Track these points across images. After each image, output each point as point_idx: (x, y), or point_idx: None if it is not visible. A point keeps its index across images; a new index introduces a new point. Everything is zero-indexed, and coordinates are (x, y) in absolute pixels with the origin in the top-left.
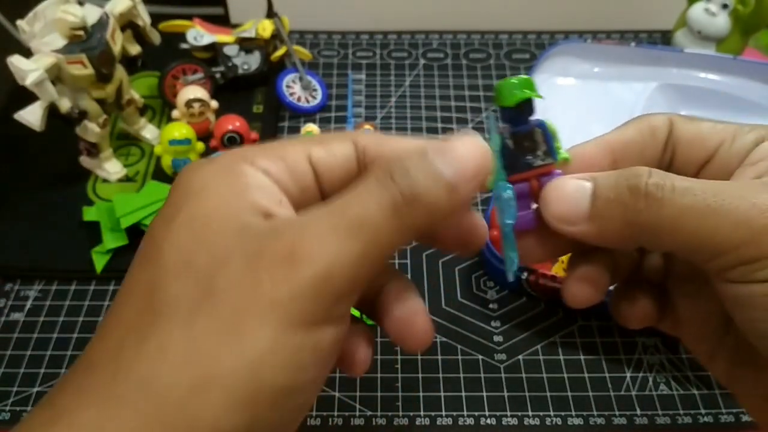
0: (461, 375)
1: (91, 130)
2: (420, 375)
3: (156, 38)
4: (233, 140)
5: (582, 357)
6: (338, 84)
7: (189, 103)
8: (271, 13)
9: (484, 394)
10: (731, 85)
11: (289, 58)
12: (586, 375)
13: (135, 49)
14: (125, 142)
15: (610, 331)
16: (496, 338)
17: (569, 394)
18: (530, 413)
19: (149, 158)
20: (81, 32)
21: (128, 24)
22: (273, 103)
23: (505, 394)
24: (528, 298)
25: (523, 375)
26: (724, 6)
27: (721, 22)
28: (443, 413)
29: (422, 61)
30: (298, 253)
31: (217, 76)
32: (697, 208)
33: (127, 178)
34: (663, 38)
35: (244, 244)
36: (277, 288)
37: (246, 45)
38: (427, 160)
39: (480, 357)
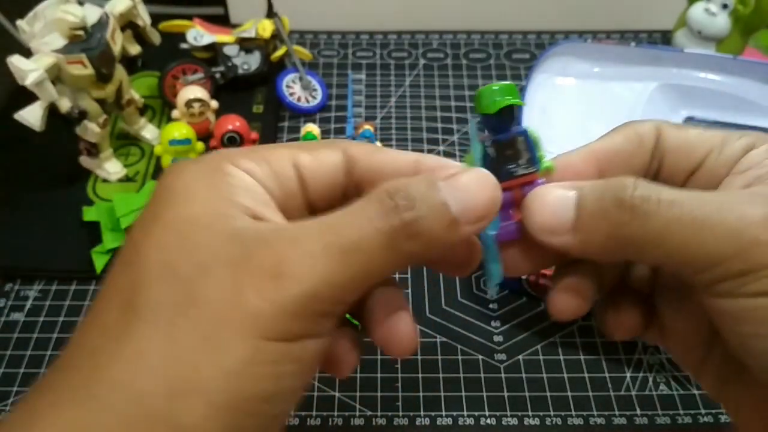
0: (461, 375)
1: (91, 130)
2: (420, 375)
3: (156, 38)
4: (233, 140)
5: (582, 357)
6: (338, 84)
7: (189, 103)
8: (271, 13)
9: (484, 394)
10: (731, 85)
11: (289, 58)
12: (586, 375)
13: (135, 49)
14: (125, 142)
15: None
16: (496, 338)
17: (569, 394)
18: (530, 413)
19: (149, 158)
20: (81, 32)
21: (128, 24)
22: (273, 103)
23: (505, 394)
24: (528, 298)
25: (523, 375)
26: (724, 6)
27: (721, 22)
28: (443, 413)
29: (422, 61)
30: (287, 269)
31: (217, 76)
32: (684, 220)
33: (127, 178)
34: (663, 38)
35: (228, 249)
36: (260, 302)
37: (246, 45)
38: (434, 190)
39: (480, 357)
